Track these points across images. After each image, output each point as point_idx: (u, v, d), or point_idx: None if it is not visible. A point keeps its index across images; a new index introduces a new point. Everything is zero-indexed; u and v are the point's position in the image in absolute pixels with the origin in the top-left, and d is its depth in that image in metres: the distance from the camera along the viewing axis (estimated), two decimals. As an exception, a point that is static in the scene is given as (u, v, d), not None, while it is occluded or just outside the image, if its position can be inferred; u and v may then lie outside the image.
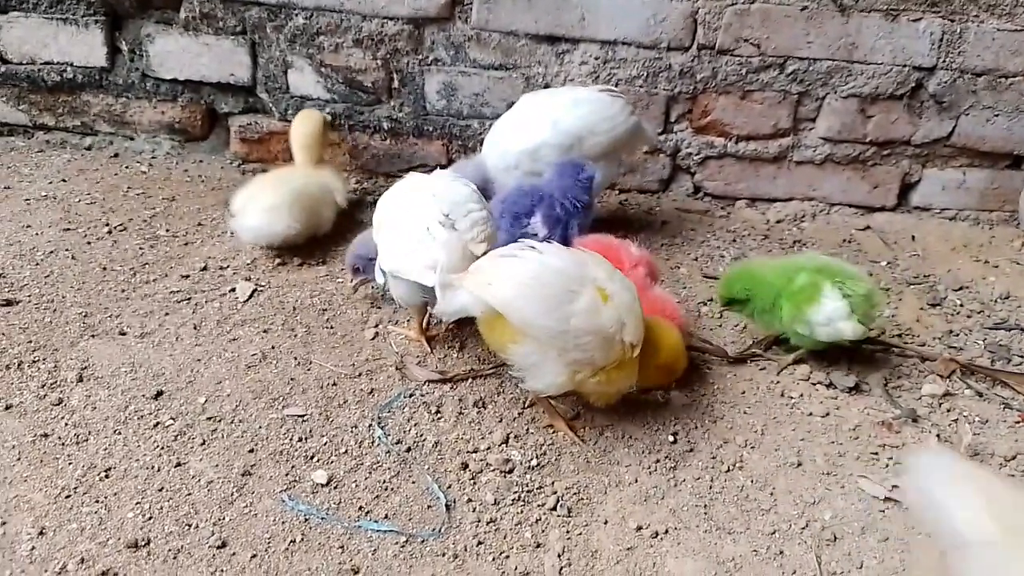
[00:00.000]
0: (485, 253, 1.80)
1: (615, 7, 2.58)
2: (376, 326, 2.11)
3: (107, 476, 1.62)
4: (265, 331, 2.06)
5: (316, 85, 2.78)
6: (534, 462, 1.73)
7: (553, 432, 1.81)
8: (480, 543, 1.54)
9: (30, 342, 1.95)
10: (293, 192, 2.34)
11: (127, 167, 2.82)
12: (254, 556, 1.48)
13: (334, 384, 1.90)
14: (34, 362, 1.89)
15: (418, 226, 1.85)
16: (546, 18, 2.62)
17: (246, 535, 1.52)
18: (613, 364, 1.69)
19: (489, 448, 1.75)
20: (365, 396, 1.88)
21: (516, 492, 1.65)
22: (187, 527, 1.53)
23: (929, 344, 2.20)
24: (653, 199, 2.88)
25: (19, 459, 1.64)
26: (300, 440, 1.74)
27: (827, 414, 1.92)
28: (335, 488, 1.63)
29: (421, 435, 1.78)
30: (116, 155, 2.88)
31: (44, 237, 2.37)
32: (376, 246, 1.98)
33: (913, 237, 2.76)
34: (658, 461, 1.75)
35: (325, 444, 1.73)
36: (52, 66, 2.80)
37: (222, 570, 1.46)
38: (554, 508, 1.62)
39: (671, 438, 1.81)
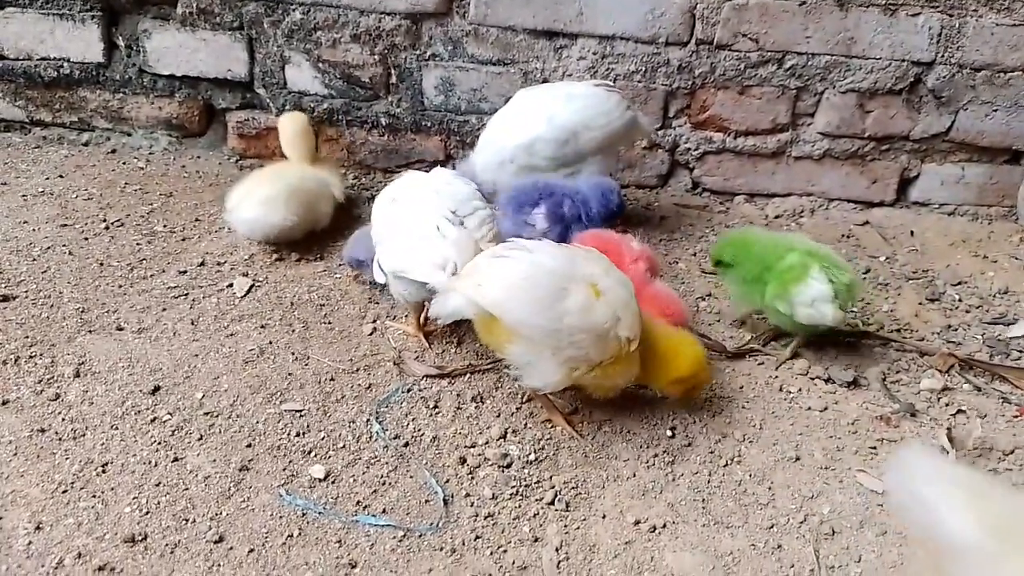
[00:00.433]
0: None
1: (613, 2, 2.58)
2: (374, 321, 2.11)
3: (104, 471, 1.61)
4: (263, 326, 2.06)
5: (313, 81, 2.77)
6: (532, 457, 1.72)
7: (551, 427, 1.80)
8: (478, 537, 1.54)
9: (27, 337, 1.94)
10: (289, 186, 2.34)
11: (124, 163, 2.81)
12: (251, 550, 1.48)
13: (332, 379, 1.90)
14: (31, 357, 1.88)
15: (423, 225, 1.83)
16: (544, 13, 2.61)
17: (243, 530, 1.52)
18: (610, 360, 1.68)
19: (487, 443, 1.75)
20: (363, 391, 1.87)
21: (514, 486, 1.65)
22: (184, 522, 1.52)
23: (928, 339, 2.19)
24: (652, 194, 2.87)
25: (16, 454, 1.63)
26: (298, 435, 1.73)
27: (825, 408, 1.92)
28: (333, 483, 1.63)
29: (419, 430, 1.77)
30: (113, 151, 2.88)
31: (41, 233, 2.36)
32: (373, 245, 1.97)
33: (912, 232, 2.76)
34: (656, 455, 1.75)
35: (323, 439, 1.73)
36: (49, 62, 2.79)
37: (219, 564, 1.45)
38: (552, 502, 1.62)
39: (669, 432, 1.81)
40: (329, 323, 2.09)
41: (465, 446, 1.74)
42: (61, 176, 2.68)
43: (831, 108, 2.72)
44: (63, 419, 1.73)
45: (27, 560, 1.43)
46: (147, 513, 1.53)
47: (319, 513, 1.56)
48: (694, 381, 1.80)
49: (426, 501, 1.61)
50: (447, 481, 1.66)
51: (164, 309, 2.09)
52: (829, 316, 1.92)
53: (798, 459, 1.77)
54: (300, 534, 1.52)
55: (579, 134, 2.36)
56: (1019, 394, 1.99)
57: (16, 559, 1.43)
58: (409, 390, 1.88)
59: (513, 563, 1.50)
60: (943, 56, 2.62)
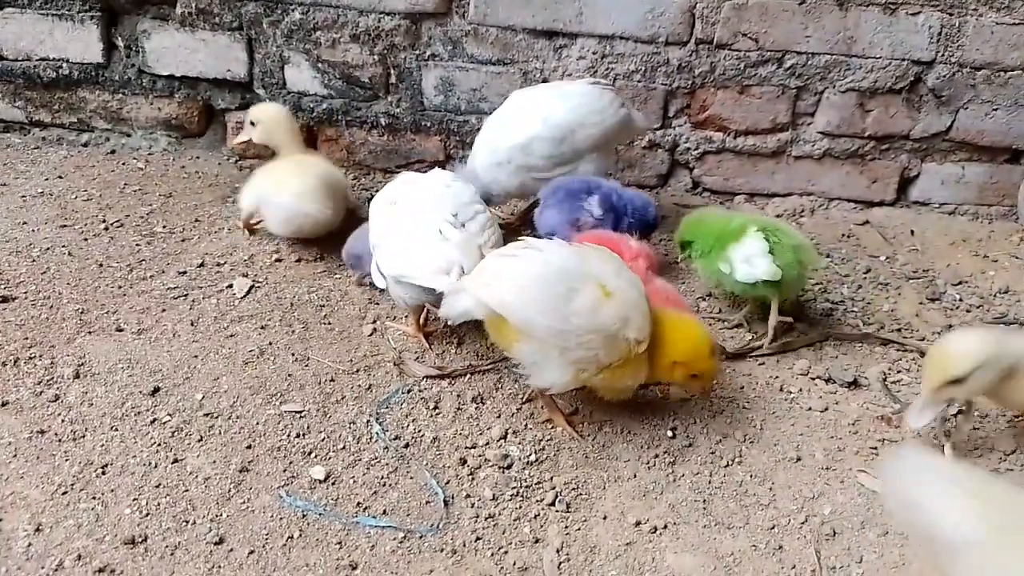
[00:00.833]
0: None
1: (613, 1, 2.57)
2: (374, 322, 2.11)
3: (104, 472, 1.61)
4: (262, 327, 2.05)
5: (313, 81, 2.77)
6: (532, 457, 1.72)
7: (552, 427, 1.80)
8: (478, 538, 1.54)
9: (27, 339, 1.94)
10: (319, 176, 2.32)
11: (124, 163, 2.81)
12: (252, 552, 1.48)
13: (332, 380, 1.90)
14: (31, 359, 1.88)
15: (423, 228, 1.83)
16: (543, 12, 2.61)
17: (244, 531, 1.52)
18: (618, 362, 1.66)
19: (487, 443, 1.75)
20: (363, 392, 1.87)
21: (514, 487, 1.65)
22: (184, 523, 1.52)
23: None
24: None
25: (15, 456, 1.63)
26: (298, 436, 1.73)
27: (826, 409, 1.92)
28: (333, 484, 1.63)
29: (419, 431, 1.77)
30: (112, 151, 2.87)
31: (40, 234, 2.36)
32: (370, 247, 1.96)
33: (912, 232, 2.75)
34: (657, 456, 1.75)
35: (323, 440, 1.73)
36: (48, 62, 2.79)
37: (219, 566, 1.45)
38: (553, 503, 1.62)
39: (670, 433, 1.81)
40: (329, 324, 2.09)
41: (465, 447, 1.74)
42: (60, 177, 2.68)
43: (831, 107, 2.71)
44: (63, 420, 1.72)
45: (27, 562, 1.42)
46: (147, 515, 1.53)
47: (319, 514, 1.56)
48: (696, 368, 1.71)
49: (427, 502, 1.61)
50: (447, 482, 1.65)
51: (164, 310, 2.09)
52: (761, 269, 2.00)
53: (799, 460, 1.77)
54: (300, 535, 1.52)
55: (575, 132, 2.36)
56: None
57: (16, 561, 1.42)
58: (409, 391, 1.88)
59: (514, 564, 1.50)
60: (943, 55, 2.62)
